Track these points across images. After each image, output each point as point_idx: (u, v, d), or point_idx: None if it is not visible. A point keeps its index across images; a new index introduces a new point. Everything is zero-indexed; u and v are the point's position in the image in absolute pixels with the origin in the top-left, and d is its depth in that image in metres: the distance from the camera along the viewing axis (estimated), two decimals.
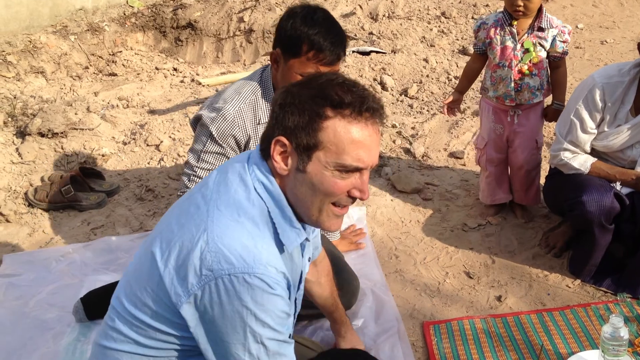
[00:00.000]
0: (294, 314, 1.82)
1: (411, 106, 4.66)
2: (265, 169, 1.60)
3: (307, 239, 1.72)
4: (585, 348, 2.49)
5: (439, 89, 4.87)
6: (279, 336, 1.56)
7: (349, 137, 1.53)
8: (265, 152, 1.60)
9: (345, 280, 2.57)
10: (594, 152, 2.90)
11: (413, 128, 4.29)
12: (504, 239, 3.20)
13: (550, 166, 3.11)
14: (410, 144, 4.11)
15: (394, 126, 4.32)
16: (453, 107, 3.38)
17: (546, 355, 2.46)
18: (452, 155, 4.03)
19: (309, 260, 1.92)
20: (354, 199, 1.62)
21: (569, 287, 2.86)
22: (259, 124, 2.46)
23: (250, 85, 2.50)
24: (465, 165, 3.94)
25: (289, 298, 1.63)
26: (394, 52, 5.35)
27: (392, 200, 3.56)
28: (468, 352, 2.49)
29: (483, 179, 3.40)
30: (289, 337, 1.64)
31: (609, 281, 2.83)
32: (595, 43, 5.58)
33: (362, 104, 1.54)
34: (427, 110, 4.58)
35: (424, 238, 3.24)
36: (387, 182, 3.72)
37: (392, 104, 4.70)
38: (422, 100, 4.74)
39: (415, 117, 4.47)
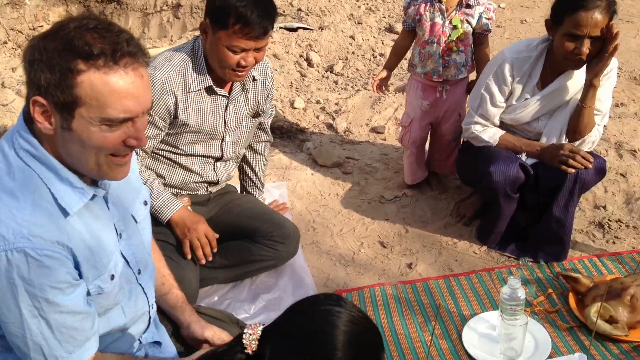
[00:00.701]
0: (144, 271, 1.73)
1: (336, 82, 4.73)
2: (28, 133, 1.47)
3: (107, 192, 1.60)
4: (487, 309, 2.62)
5: (364, 65, 4.95)
6: (62, 308, 1.46)
7: (108, 89, 1.39)
8: (28, 114, 1.46)
9: (287, 228, 2.72)
10: (503, 125, 3.02)
11: (337, 104, 4.37)
12: (418, 210, 3.32)
13: (462, 140, 3.23)
14: (333, 119, 4.18)
15: (317, 102, 4.39)
16: (382, 84, 3.46)
17: (450, 317, 2.59)
18: (374, 130, 4.12)
19: (145, 204, 1.78)
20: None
21: (476, 254, 2.99)
22: (188, 92, 2.45)
23: (181, 54, 2.47)
24: (385, 140, 4.04)
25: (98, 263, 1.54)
26: (321, 29, 5.40)
27: (312, 174, 3.63)
28: (378, 318, 2.59)
29: (405, 158, 3.49)
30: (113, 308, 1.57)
31: (513, 247, 2.98)
32: (516, 22, 5.75)
33: (116, 51, 1.39)
34: (352, 87, 4.66)
35: (341, 210, 3.33)
36: (309, 156, 3.79)
37: (318, 80, 4.76)
38: (347, 76, 4.82)
39: (339, 94, 4.55)
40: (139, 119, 1.48)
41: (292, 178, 3.57)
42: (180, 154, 2.58)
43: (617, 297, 2.51)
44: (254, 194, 2.98)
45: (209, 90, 2.50)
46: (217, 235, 2.58)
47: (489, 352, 2.40)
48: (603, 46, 2.64)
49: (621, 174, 3.63)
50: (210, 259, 2.58)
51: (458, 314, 2.61)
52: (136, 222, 1.71)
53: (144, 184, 1.93)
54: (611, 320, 2.47)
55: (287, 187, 3.47)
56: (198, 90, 2.47)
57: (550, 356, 2.37)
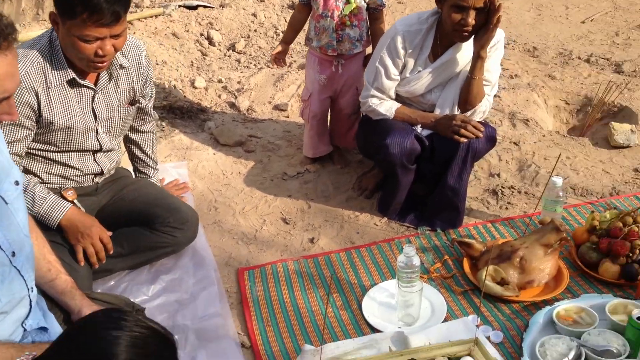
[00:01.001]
0: (19, 253, 1.69)
1: (238, 61, 4.69)
2: None
3: None
4: (387, 279, 2.68)
5: (267, 43, 4.93)
6: None
7: None
8: None
9: (184, 213, 2.67)
10: (399, 98, 3.08)
11: (239, 82, 4.33)
12: (320, 185, 3.35)
13: (361, 114, 3.28)
14: (236, 98, 4.15)
15: (219, 81, 4.34)
16: (280, 57, 3.47)
17: (351, 288, 2.64)
18: (277, 107, 4.12)
19: (17, 184, 1.73)
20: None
21: (377, 225, 3.05)
22: (49, 87, 2.33)
23: (38, 47, 2.32)
24: (288, 117, 4.05)
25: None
26: (222, 7, 5.33)
27: (214, 153, 3.60)
28: (280, 293, 2.61)
29: (306, 132, 3.51)
30: None
31: (412, 217, 3.06)
32: None
33: None
34: (254, 65, 4.64)
35: (244, 189, 3.32)
36: (210, 136, 3.76)
37: (219, 59, 4.71)
38: (250, 55, 4.79)
39: (242, 72, 4.51)
40: (12, 95, 1.53)
41: (193, 158, 3.52)
42: (56, 151, 2.47)
43: (507, 260, 2.62)
44: (148, 173, 2.91)
45: (72, 83, 2.37)
46: (110, 233, 2.51)
47: (388, 320, 2.46)
48: (488, 18, 2.72)
49: (514, 143, 3.77)
50: (104, 262, 2.51)
51: (359, 285, 2.66)
52: (6, 203, 1.65)
53: (24, 191, 1.88)
54: (502, 282, 2.58)
55: (187, 167, 3.43)
56: (60, 84, 2.34)
57: (445, 319, 2.46)
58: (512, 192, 3.32)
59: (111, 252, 2.50)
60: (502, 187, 3.34)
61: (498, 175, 3.47)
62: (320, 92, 3.35)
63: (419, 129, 2.96)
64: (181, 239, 2.66)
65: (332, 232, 3.00)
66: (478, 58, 2.80)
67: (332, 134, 3.53)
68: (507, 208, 3.20)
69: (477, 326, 2.42)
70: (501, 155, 3.64)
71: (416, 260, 2.37)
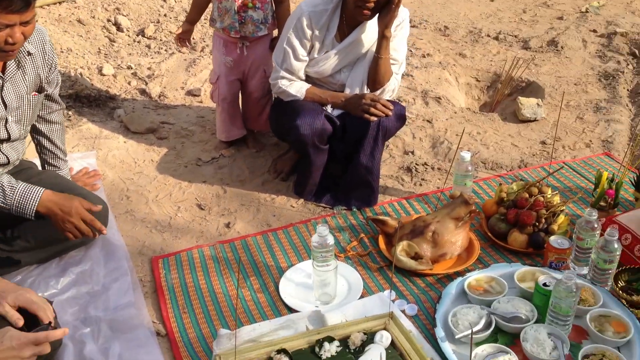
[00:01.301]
0: None
1: (149, 47, 4.58)
2: None
3: None
4: (304, 260, 2.69)
5: (178, 28, 4.82)
6: None
7: None
8: None
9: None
10: (309, 79, 3.07)
11: (149, 68, 4.23)
12: (236, 170, 3.32)
13: (273, 96, 3.26)
14: (146, 84, 4.05)
15: (129, 67, 4.23)
16: (184, 38, 3.41)
17: (268, 271, 2.63)
18: (189, 93, 4.05)
19: None
20: None
21: (293, 207, 3.05)
22: None
23: None
24: (202, 103, 3.99)
25: None
26: None
27: (125, 142, 3.51)
28: (196, 280, 2.57)
29: (218, 115, 3.47)
30: None
31: (328, 197, 3.07)
32: None
33: None
34: (165, 50, 4.54)
35: (157, 176, 3.25)
36: (120, 124, 3.66)
37: (129, 45, 4.58)
38: (160, 40, 4.68)
39: (152, 58, 4.41)
40: None
41: (103, 147, 3.42)
42: None
43: (420, 235, 2.67)
44: (58, 165, 2.81)
45: None
46: (99, 208, 2.46)
47: (305, 300, 2.47)
48: None
49: (427, 120, 3.84)
50: (105, 232, 2.46)
51: (276, 267, 2.65)
52: None
53: None
54: (416, 257, 2.62)
55: (96, 156, 3.33)
56: None
57: (362, 296, 2.48)
58: (426, 168, 3.38)
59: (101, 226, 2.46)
60: (416, 164, 3.40)
61: (412, 152, 3.52)
62: (227, 75, 3.31)
63: (329, 109, 2.97)
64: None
65: (249, 216, 2.98)
66: (383, 37, 2.82)
67: (245, 118, 3.50)
68: (421, 184, 3.26)
69: (393, 301, 2.46)
70: (415, 133, 3.70)
71: (330, 240, 2.37)
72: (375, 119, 2.83)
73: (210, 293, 2.51)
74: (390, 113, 2.84)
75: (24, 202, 2.31)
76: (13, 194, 2.29)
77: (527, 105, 3.91)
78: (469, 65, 4.62)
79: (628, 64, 4.62)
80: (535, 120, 3.87)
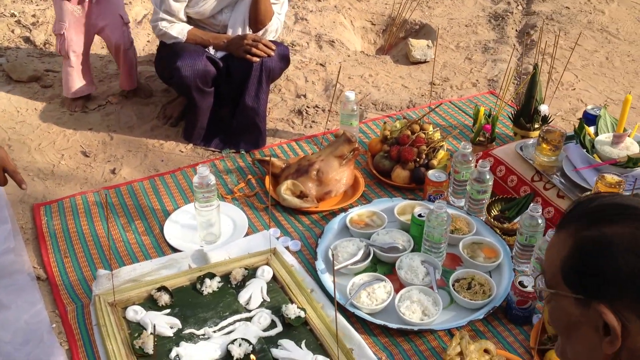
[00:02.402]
0: None
1: None
2: None
3: None
4: (190, 202, 2.69)
5: None
6: None
7: None
8: None
9: None
10: (192, 21, 3.03)
11: (34, 16, 4.07)
12: (123, 117, 3.27)
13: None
14: (30, 31, 3.90)
15: (12, 15, 4.05)
16: None
17: (154, 214, 2.62)
18: None
19: None
20: None
21: (182, 152, 3.04)
22: None
23: None
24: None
25: None
26: None
27: (7, 91, 3.39)
28: (79, 225, 2.55)
29: (64, 68, 3.23)
30: None
31: (217, 141, 3.07)
32: None
33: None
34: None
35: (40, 125, 3.16)
36: (2, 72, 3.52)
37: None
38: None
39: (37, 5, 4.23)
40: None
41: None
42: None
43: (305, 174, 2.71)
44: None
45: None
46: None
47: (190, 241, 2.49)
48: None
49: (321, 64, 3.86)
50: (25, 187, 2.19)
51: (162, 210, 2.65)
52: None
53: None
54: (302, 195, 2.68)
55: None
56: None
57: (247, 234, 2.52)
58: (317, 111, 3.42)
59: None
60: (307, 106, 3.43)
61: (304, 96, 3.55)
62: (76, 25, 3.12)
63: (211, 50, 2.95)
64: None
65: (136, 162, 2.95)
66: None
67: (122, 77, 3.35)
68: (311, 127, 3.30)
69: (277, 238, 2.51)
70: (308, 77, 3.73)
71: (211, 180, 2.38)
72: (258, 59, 2.83)
73: (93, 237, 2.49)
74: (272, 53, 2.84)
75: None
76: None
77: (418, 47, 3.99)
78: (364, 8, 4.65)
79: (518, 5, 4.77)
80: (425, 61, 3.96)
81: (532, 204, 2.29)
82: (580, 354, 1.14)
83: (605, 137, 2.50)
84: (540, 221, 2.26)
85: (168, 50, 2.92)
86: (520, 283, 2.13)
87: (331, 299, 2.19)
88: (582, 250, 1.04)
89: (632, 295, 1.01)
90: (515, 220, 2.51)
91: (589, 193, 2.35)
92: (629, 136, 2.49)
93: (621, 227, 1.02)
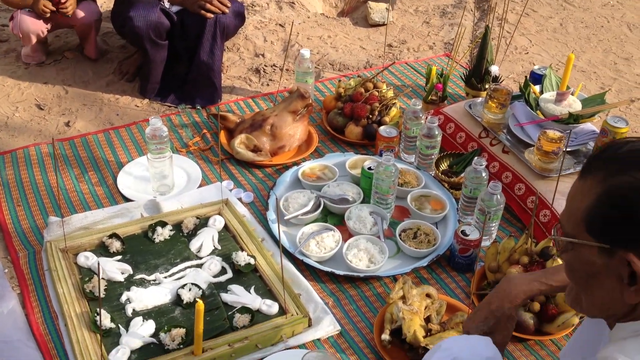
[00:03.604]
0: None
1: None
2: None
3: None
4: (145, 155, 2.71)
5: None
6: None
7: None
8: None
9: None
10: None
11: None
12: (79, 71, 3.26)
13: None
14: None
15: None
16: None
17: (107, 166, 2.64)
18: None
19: None
20: None
21: (138, 107, 3.05)
22: None
23: None
24: None
25: None
26: None
27: None
28: (32, 176, 2.55)
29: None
30: None
31: (173, 96, 3.08)
32: None
33: None
34: None
35: None
36: None
37: None
38: None
39: None
40: None
41: None
42: None
43: (259, 128, 2.75)
44: None
45: None
46: None
47: (143, 191, 2.51)
48: None
49: (280, 25, 3.88)
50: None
51: (116, 162, 2.67)
52: None
53: None
54: (256, 149, 2.72)
55: None
56: None
57: (201, 186, 2.56)
58: (274, 69, 3.45)
59: None
60: (265, 65, 3.45)
61: (262, 55, 3.57)
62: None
63: (166, 3, 2.95)
64: None
65: (90, 115, 2.96)
66: None
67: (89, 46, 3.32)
68: (268, 85, 3.33)
69: (230, 190, 2.56)
70: (267, 37, 3.74)
71: (163, 131, 2.40)
72: (212, 15, 2.84)
73: (46, 187, 2.50)
74: (226, 10, 2.86)
75: None
76: None
77: (377, 9, 4.03)
78: None
79: None
80: (384, 24, 4.00)
81: (476, 158, 2.37)
82: (597, 305, 1.12)
83: (549, 95, 2.58)
84: (484, 174, 2.34)
85: (123, 0, 2.92)
86: (463, 232, 2.21)
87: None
88: (613, 196, 1.01)
89: None
90: (462, 175, 2.59)
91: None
92: (572, 94, 2.57)
93: None
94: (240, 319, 1.96)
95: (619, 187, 1.01)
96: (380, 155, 2.70)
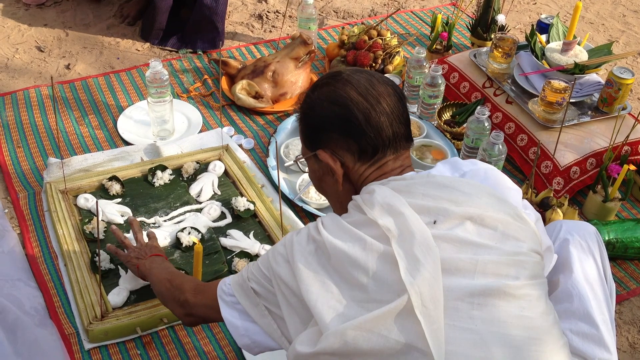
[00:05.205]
0: None
1: None
2: None
3: None
4: (145, 99, 2.70)
5: None
6: None
7: None
8: None
9: None
10: None
11: None
12: (80, 14, 3.21)
13: None
14: None
15: None
16: None
17: (108, 109, 2.62)
18: None
19: None
20: None
21: (139, 51, 3.02)
22: None
23: None
24: None
25: None
26: None
27: None
28: (32, 117, 2.54)
29: None
30: None
31: (174, 40, 3.04)
32: None
33: None
34: None
35: None
36: None
37: None
38: None
39: None
40: None
41: None
42: None
43: (260, 75, 2.72)
44: None
45: None
46: None
47: (144, 136, 2.50)
48: None
49: None
50: None
51: (116, 106, 2.65)
52: None
53: None
54: (257, 96, 2.69)
55: None
56: None
57: (201, 131, 2.55)
58: (277, 16, 3.39)
59: None
60: (267, 11, 3.40)
61: (266, 1, 3.51)
62: None
63: None
64: None
65: (91, 58, 2.93)
66: None
67: None
68: (271, 31, 3.28)
69: (231, 136, 2.55)
70: None
71: (163, 75, 2.37)
72: None
73: (47, 129, 2.49)
74: None
75: None
76: None
77: None
78: None
79: None
80: None
81: (479, 107, 2.35)
82: (334, 202, 1.40)
83: (555, 44, 2.54)
84: (486, 124, 2.32)
85: None
86: None
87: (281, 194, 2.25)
88: (304, 115, 1.31)
89: (337, 135, 1.25)
90: (464, 125, 2.57)
91: (536, 99, 2.42)
92: (579, 44, 2.54)
93: (323, 88, 1.27)
94: (239, 263, 1.97)
95: (302, 107, 1.32)
96: None
